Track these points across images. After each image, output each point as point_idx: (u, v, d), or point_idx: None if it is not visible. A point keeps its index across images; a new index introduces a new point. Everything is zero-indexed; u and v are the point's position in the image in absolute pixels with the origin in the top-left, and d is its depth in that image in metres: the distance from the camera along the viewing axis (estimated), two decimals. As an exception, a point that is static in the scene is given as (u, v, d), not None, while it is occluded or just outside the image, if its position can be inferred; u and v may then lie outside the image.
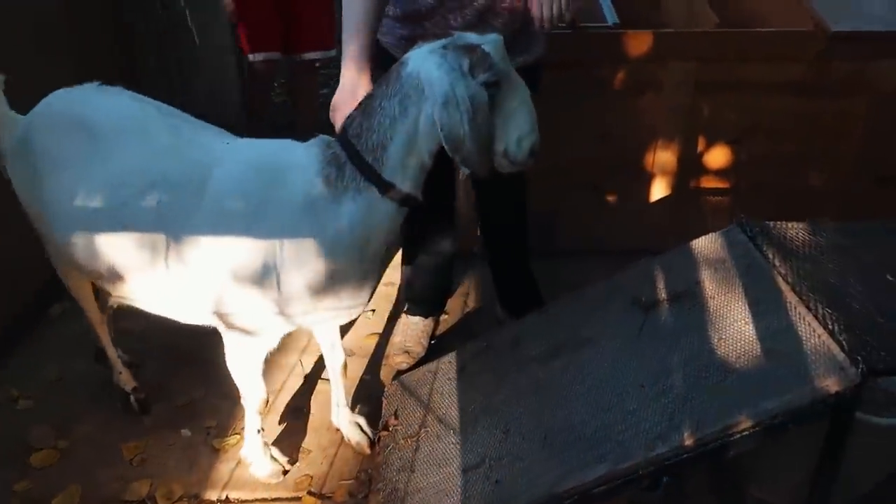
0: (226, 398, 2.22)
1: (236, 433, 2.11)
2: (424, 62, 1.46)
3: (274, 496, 1.93)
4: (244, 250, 1.56)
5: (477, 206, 2.42)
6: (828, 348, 1.45)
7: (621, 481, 1.49)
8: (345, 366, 2.05)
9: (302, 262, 1.57)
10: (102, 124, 1.68)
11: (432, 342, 2.48)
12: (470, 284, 2.80)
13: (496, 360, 2.04)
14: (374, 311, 2.64)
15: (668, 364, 1.65)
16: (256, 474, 1.94)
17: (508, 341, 2.08)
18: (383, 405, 2.15)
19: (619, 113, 2.69)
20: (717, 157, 2.79)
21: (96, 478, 1.97)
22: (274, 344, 1.78)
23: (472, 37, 1.49)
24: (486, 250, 2.44)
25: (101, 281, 1.80)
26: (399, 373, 2.33)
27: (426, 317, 2.46)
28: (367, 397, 2.26)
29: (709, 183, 2.85)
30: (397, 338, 2.43)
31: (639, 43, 2.57)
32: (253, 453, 1.94)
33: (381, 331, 2.56)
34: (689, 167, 2.80)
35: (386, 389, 2.21)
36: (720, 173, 2.82)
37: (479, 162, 1.48)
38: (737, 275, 1.78)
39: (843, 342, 1.43)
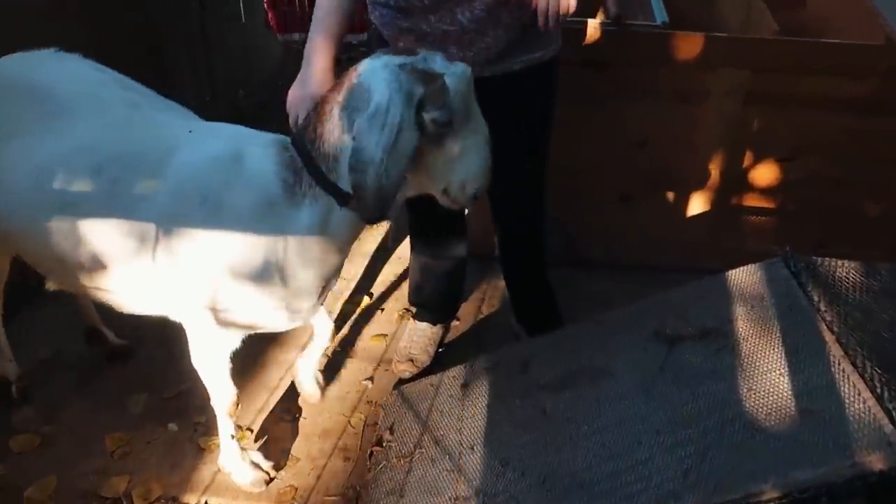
0: (217, 394, 2.12)
1: (224, 433, 2.01)
2: (375, 75, 1.34)
3: (254, 505, 1.82)
4: (191, 242, 1.48)
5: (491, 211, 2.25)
6: (874, 416, 1.27)
7: (623, 543, 1.35)
8: (333, 333, 2.01)
9: (253, 262, 1.49)
10: (57, 92, 1.56)
11: (440, 350, 2.34)
12: (487, 290, 2.65)
13: (502, 382, 1.89)
14: (370, 294, 2.55)
15: (689, 411, 1.49)
16: (237, 482, 1.84)
17: (518, 362, 1.94)
18: (380, 416, 2.03)
19: (659, 120, 2.49)
20: (764, 174, 2.58)
21: (75, 469, 1.88)
22: (236, 343, 1.68)
23: (438, 63, 1.35)
24: (501, 259, 2.28)
25: (38, 263, 1.70)
26: (401, 381, 2.20)
27: (434, 324, 2.32)
28: (364, 402, 2.14)
29: (752, 202, 2.64)
30: (402, 343, 2.30)
31: (688, 46, 2.37)
32: (230, 461, 1.83)
33: (388, 332, 2.43)
34: (731, 183, 2.60)
35: (385, 399, 2.09)
36: (766, 193, 2.61)
37: (372, 202, 1.32)
38: (775, 316, 1.60)
39: (893, 411, 1.25)
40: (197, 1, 3.30)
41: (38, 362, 2.19)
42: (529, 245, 2.16)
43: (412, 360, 2.24)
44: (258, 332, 1.70)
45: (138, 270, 1.54)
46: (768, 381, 1.44)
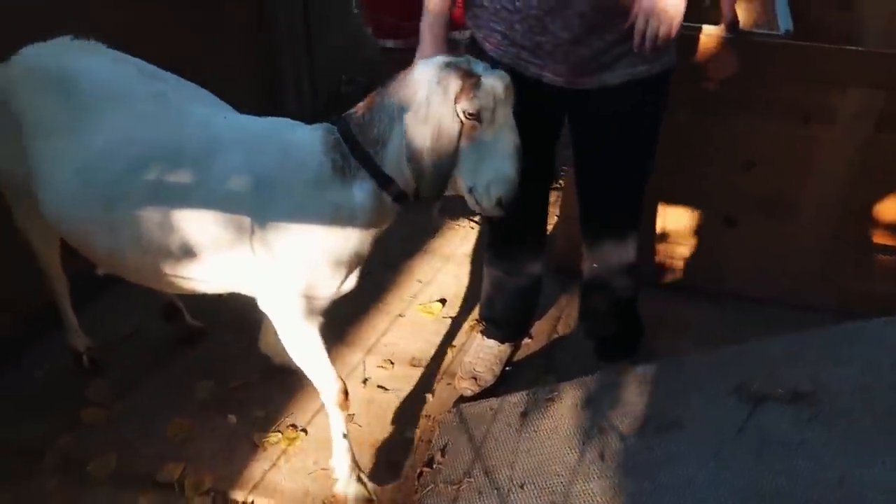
0: (280, 389, 2.12)
1: (279, 430, 2.01)
2: (424, 73, 1.46)
3: (298, 513, 1.80)
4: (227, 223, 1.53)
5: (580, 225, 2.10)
6: None
7: None
8: None
9: (311, 237, 1.55)
10: (84, 86, 1.58)
11: (507, 369, 2.23)
12: (565, 307, 2.51)
13: (563, 417, 1.77)
14: (443, 301, 2.50)
15: (764, 487, 1.31)
16: (341, 490, 1.79)
17: (584, 396, 1.80)
18: (435, 434, 1.96)
19: (773, 140, 2.25)
20: (893, 208, 2.28)
21: (135, 450, 1.93)
22: (319, 319, 1.67)
23: (480, 66, 1.45)
24: (585, 276, 2.13)
25: (90, 255, 1.71)
26: (462, 398, 2.12)
27: (503, 342, 2.21)
28: (423, 416, 2.07)
29: (878, 238, 2.35)
30: (468, 359, 2.21)
31: (814, 59, 2.11)
32: (341, 464, 1.78)
33: (457, 344, 2.35)
34: (853, 215, 2.32)
35: (442, 416, 2.01)
36: (894, 229, 2.31)
37: (430, 183, 1.46)
38: (892, 388, 1.37)
39: None
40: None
41: (117, 338, 2.27)
42: (620, 264, 2.01)
43: (475, 378, 2.14)
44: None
45: (192, 253, 1.57)
46: (871, 472, 1.23)
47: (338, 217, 1.55)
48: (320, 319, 1.68)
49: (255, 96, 3.32)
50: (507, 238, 2.06)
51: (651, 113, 1.79)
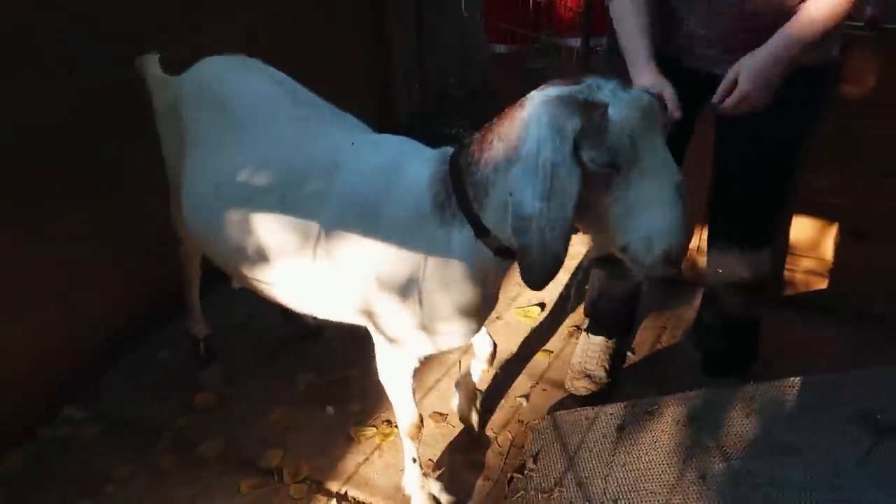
0: (377, 385, 2.13)
1: (374, 425, 2.04)
2: (534, 111, 1.18)
3: (389, 507, 1.82)
4: (350, 255, 1.47)
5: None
6: None
7: None
8: (492, 355, 1.89)
9: (403, 281, 1.43)
10: (237, 106, 1.65)
11: (621, 365, 2.19)
12: (670, 318, 2.40)
13: (663, 432, 1.69)
14: (542, 306, 2.44)
15: (887, 526, 1.19)
16: None
17: (686, 412, 1.71)
18: (528, 439, 1.92)
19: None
20: None
21: (241, 435, 2.02)
22: (415, 363, 1.62)
23: (607, 90, 1.14)
24: (707, 285, 2.03)
25: (212, 254, 1.78)
26: (558, 405, 2.07)
27: (610, 337, 2.16)
28: (516, 421, 2.04)
29: None
30: (576, 359, 2.16)
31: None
32: (411, 486, 1.78)
33: (554, 349, 2.31)
34: None
35: (536, 423, 1.97)
36: None
37: (538, 264, 1.17)
38: None
39: None
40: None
41: (231, 327, 2.39)
42: (747, 277, 1.88)
43: (590, 377, 2.11)
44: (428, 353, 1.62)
45: (305, 275, 1.57)
46: None
47: (430, 260, 1.38)
48: (418, 363, 1.61)
49: (369, 97, 3.42)
50: None
51: (802, 109, 1.64)
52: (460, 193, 1.31)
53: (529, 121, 1.18)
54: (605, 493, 1.61)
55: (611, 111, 1.11)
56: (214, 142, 1.65)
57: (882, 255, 2.22)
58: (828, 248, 2.31)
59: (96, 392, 2.15)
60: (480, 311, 1.51)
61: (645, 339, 2.32)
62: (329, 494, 1.86)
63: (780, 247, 1.98)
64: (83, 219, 2.05)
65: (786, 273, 2.40)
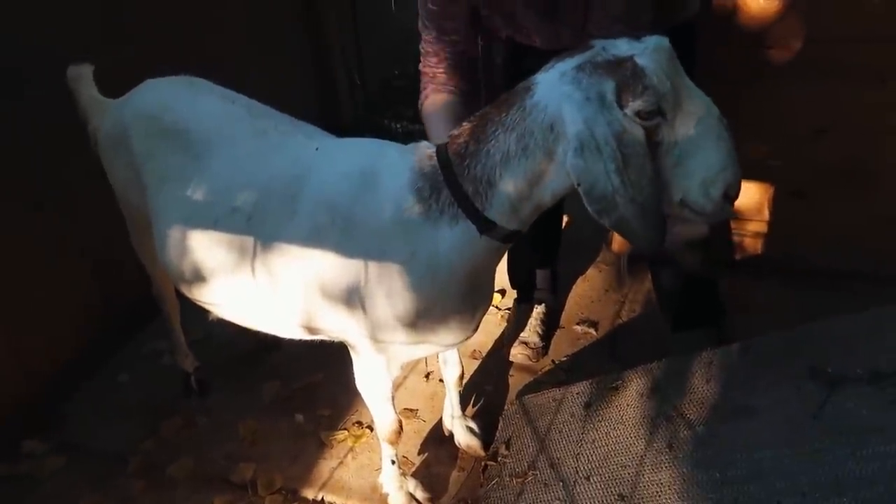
0: (345, 388, 2.13)
1: (345, 428, 2.04)
2: (553, 91, 1.15)
3: (366, 508, 1.82)
4: (328, 266, 1.39)
5: None
6: None
7: None
8: (461, 378, 1.88)
9: (389, 287, 1.37)
10: (193, 133, 1.56)
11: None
12: (627, 293, 2.45)
13: (630, 405, 1.72)
14: (502, 292, 2.49)
15: (846, 475, 1.24)
16: None
17: (649, 384, 1.75)
18: (499, 426, 1.94)
19: (846, 104, 2.11)
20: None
21: (210, 451, 2.00)
22: (396, 371, 1.58)
23: (621, 45, 1.12)
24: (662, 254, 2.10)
25: (190, 290, 1.65)
26: (523, 390, 2.09)
27: (539, 303, 2.29)
28: (485, 412, 2.06)
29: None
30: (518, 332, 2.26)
31: (890, 13, 1.97)
32: (389, 484, 1.78)
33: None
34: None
35: (505, 409, 2.00)
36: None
37: (643, 229, 1.12)
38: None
39: None
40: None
41: (189, 344, 2.34)
42: (695, 232, 1.96)
43: (525, 343, 2.21)
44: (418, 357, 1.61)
45: (297, 300, 1.48)
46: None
47: (415, 263, 1.32)
48: (399, 370, 1.57)
49: (311, 97, 3.38)
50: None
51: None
52: (456, 189, 1.26)
53: (558, 103, 1.13)
54: (577, 472, 1.63)
55: (639, 60, 1.09)
56: (175, 175, 1.55)
57: (820, 211, 2.30)
58: (771, 210, 2.37)
59: (57, 422, 2.10)
60: (475, 304, 1.47)
61: (605, 316, 2.36)
62: (305, 502, 1.85)
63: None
64: (19, 240, 1.98)
65: (735, 238, 2.46)
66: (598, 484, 1.57)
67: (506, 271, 2.34)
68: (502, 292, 2.49)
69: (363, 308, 1.41)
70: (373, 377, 1.58)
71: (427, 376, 2.20)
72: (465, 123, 1.29)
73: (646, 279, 2.42)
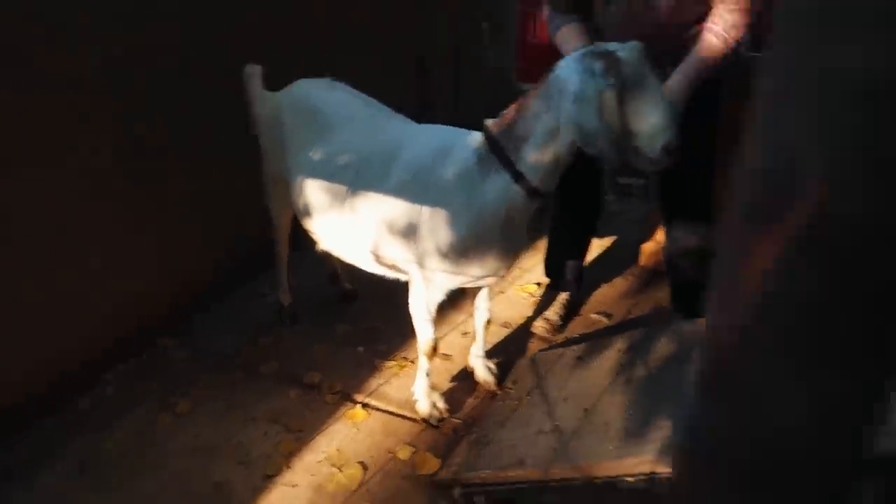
0: (399, 332, 2.71)
1: (394, 360, 2.61)
2: (567, 67, 1.73)
3: (399, 412, 2.36)
4: (398, 209, 2.00)
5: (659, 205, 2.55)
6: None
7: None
8: (488, 322, 2.40)
9: (441, 226, 1.92)
10: (329, 115, 2.21)
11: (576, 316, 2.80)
12: (641, 297, 2.92)
13: (609, 357, 2.20)
14: (539, 284, 2.98)
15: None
16: (417, 409, 2.32)
17: (628, 344, 2.23)
18: (511, 373, 2.46)
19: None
20: None
21: (292, 360, 2.62)
22: (440, 296, 2.11)
23: (612, 45, 1.72)
24: (668, 258, 2.55)
25: (309, 223, 2.28)
26: (537, 353, 2.60)
27: (562, 291, 2.80)
28: (503, 363, 2.57)
29: None
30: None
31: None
32: (419, 391, 2.32)
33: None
34: None
35: (520, 360, 2.51)
36: None
37: (611, 152, 1.70)
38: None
39: None
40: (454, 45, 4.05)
41: (290, 287, 2.99)
42: (693, 242, 2.40)
43: (547, 319, 2.72)
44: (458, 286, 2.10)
45: (371, 233, 2.08)
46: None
47: (469, 207, 1.86)
48: (444, 295, 2.08)
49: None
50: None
51: (711, 102, 2.18)
52: (496, 147, 1.82)
53: (568, 73, 1.71)
54: (559, 397, 2.13)
55: (619, 54, 1.68)
56: (310, 143, 2.20)
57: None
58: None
59: (188, 328, 2.78)
60: (507, 248, 1.96)
61: (619, 311, 2.83)
62: (355, 402, 2.42)
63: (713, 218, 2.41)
64: (182, 190, 2.74)
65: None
66: (571, 403, 2.06)
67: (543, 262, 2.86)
68: (538, 284, 3.02)
69: (416, 240, 2.00)
70: (420, 299, 2.14)
71: (464, 334, 2.74)
72: (511, 106, 1.84)
73: (661, 287, 2.88)
